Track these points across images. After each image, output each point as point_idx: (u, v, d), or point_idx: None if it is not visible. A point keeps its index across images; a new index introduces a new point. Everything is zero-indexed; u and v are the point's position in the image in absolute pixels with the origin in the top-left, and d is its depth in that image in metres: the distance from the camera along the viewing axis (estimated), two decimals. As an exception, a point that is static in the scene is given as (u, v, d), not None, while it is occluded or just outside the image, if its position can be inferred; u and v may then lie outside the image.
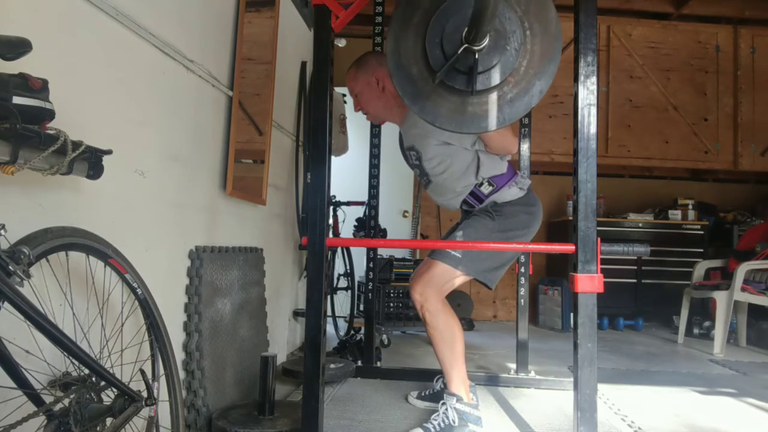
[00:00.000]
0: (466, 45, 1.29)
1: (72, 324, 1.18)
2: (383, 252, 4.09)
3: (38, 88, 1.01)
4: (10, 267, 0.93)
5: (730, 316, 3.56)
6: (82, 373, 1.12)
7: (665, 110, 4.98)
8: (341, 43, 4.80)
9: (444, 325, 1.95)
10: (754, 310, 3.89)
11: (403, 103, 1.49)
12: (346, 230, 3.81)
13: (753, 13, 4.97)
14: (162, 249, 1.80)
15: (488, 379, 2.66)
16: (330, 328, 3.43)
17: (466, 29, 1.29)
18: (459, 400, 1.93)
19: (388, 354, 3.34)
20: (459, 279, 1.99)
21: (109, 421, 1.13)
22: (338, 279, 3.91)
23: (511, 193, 2.04)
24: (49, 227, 1.07)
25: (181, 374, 1.87)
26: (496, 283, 2.05)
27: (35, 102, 1.00)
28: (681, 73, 5.01)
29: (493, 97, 1.40)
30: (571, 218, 1.63)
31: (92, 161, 1.16)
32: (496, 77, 1.37)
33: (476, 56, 1.30)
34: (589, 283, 1.48)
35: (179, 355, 1.87)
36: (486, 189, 2.03)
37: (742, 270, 3.55)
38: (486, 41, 1.31)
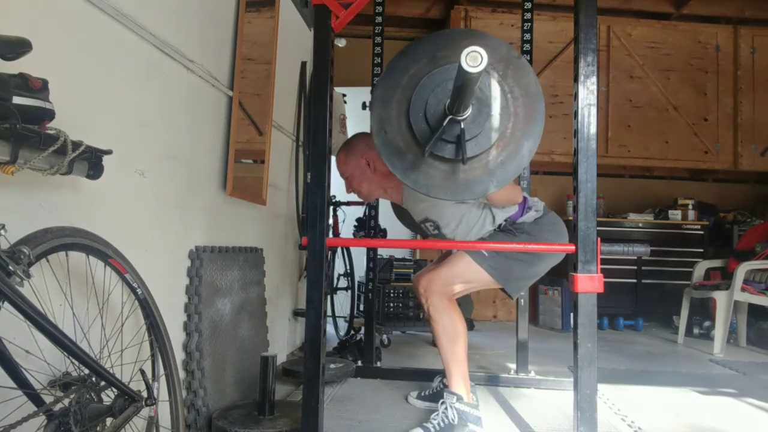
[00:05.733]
0: (450, 116, 1.29)
1: (72, 324, 1.18)
2: (383, 252, 4.08)
3: (38, 88, 1.01)
4: (10, 267, 0.93)
5: (730, 316, 3.56)
6: (82, 373, 1.12)
7: (665, 110, 4.97)
8: (341, 43, 4.80)
9: (448, 321, 1.95)
10: (754, 310, 3.88)
11: (396, 182, 1.47)
12: (346, 230, 3.80)
13: (753, 13, 4.97)
14: (162, 249, 1.80)
15: (488, 379, 2.66)
16: (330, 328, 3.43)
17: (448, 101, 1.28)
18: (459, 399, 1.93)
19: (388, 354, 3.33)
20: (474, 281, 1.97)
21: (109, 421, 1.13)
22: (338, 279, 3.91)
23: (529, 216, 2.03)
24: (49, 227, 1.07)
25: (181, 374, 1.87)
26: (518, 294, 2.04)
27: (35, 102, 1.00)
28: (681, 73, 5.01)
29: (484, 161, 1.41)
30: (571, 218, 1.63)
31: (92, 161, 1.16)
32: (484, 143, 1.38)
33: (462, 126, 1.30)
34: (589, 283, 1.48)
35: (179, 355, 1.87)
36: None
37: (742, 270, 3.55)
38: (470, 110, 1.31)
